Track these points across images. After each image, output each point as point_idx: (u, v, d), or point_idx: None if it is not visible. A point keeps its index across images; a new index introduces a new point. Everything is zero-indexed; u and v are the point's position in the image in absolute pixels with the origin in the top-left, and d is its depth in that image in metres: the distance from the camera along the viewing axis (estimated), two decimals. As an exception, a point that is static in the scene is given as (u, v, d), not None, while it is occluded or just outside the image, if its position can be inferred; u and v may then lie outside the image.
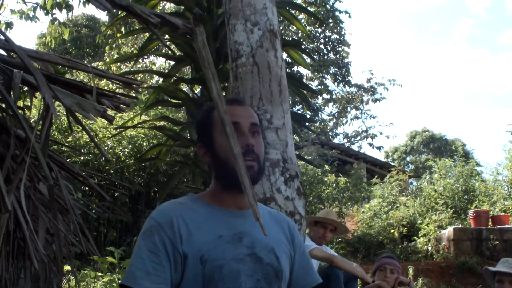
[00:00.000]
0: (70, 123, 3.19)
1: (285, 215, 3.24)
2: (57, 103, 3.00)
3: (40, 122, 2.92)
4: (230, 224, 2.67)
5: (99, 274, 8.10)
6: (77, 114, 2.85)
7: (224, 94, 7.98)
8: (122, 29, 13.70)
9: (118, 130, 11.75)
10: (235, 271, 2.59)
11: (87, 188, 10.01)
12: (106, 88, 15.07)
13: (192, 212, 2.66)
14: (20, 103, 4.58)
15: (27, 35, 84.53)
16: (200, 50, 2.42)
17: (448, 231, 15.80)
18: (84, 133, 12.81)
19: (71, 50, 33.34)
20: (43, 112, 2.83)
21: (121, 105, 3.08)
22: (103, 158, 12.68)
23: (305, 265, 3.01)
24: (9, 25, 14.00)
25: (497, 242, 14.97)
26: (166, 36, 8.80)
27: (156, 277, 2.49)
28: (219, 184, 2.76)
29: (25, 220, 2.74)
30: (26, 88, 3.76)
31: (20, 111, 4.18)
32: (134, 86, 3.14)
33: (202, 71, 7.02)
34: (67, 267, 6.25)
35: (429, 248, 15.96)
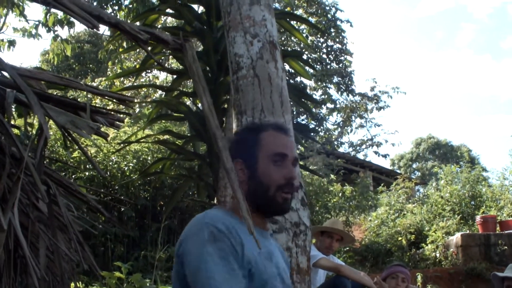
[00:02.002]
0: (65, 141, 3.20)
1: (275, 231, 3.28)
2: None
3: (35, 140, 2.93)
4: (261, 242, 2.68)
5: (107, 290, 8.09)
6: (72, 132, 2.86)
7: (226, 107, 7.99)
8: (124, 44, 13.71)
9: (121, 145, 11.77)
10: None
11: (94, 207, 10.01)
12: (109, 104, 15.10)
13: (236, 224, 2.67)
14: (21, 121, 4.59)
15: (30, 53, 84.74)
16: (191, 65, 2.42)
17: (456, 237, 15.75)
18: (88, 149, 12.82)
19: (74, 66, 33.41)
20: (37, 130, 2.84)
21: (116, 122, 3.08)
22: (108, 173, 12.69)
23: None
24: (12, 43, 14.04)
25: (506, 247, 14.91)
26: (168, 51, 8.82)
27: (234, 280, 2.49)
28: (250, 204, 2.72)
29: (23, 238, 2.75)
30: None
31: (16, 130, 4.18)
32: (128, 102, 3.14)
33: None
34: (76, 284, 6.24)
35: (437, 255, 15.90)
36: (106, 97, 3.15)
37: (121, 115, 3.16)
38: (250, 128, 2.97)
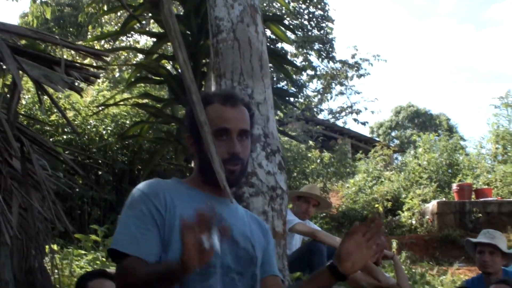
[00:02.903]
0: (39, 96, 3.17)
1: (251, 195, 3.29)
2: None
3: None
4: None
5: (82, 252, 8.08)
6: (50, 89, 2.83)
7: (206, 70, 7.95)
8: (105, 7, 13.58)
9: (100, 108, 11.71)
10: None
11: (70, 167, 9.95)
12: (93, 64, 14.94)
13: (176, 190, 2.76)
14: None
15: (9, 15, 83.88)
16: (167, 20, 2.40)
17: (432, 205, 15.91)
18: (66, 112, 12.72)
19: (54, 29, 33.08)
20: (11, 85, 2.82)
21: (91, 77, 3.05)
22: (86, 137, 12.63)
23: (271, 259, 3.07)
24: (-11, 4, 13.85)
25: (480, 215, 15.11)
26: (149, 14, 8.76)
27: (143, 241, 2.58)
28: (201, 176, 2.85)
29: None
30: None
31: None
32: (104, 58, 3.11)
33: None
34: (52, 246, 6.22)
35: (413, 222, 16.07)
36: (81, 52, 3.12)
37: (96, 70, 3.13)
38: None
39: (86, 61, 16.44)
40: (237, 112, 2.84)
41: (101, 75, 17.57)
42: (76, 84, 2.90)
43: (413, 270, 10.87)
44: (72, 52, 15.48)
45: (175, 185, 2.81)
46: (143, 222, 2.62)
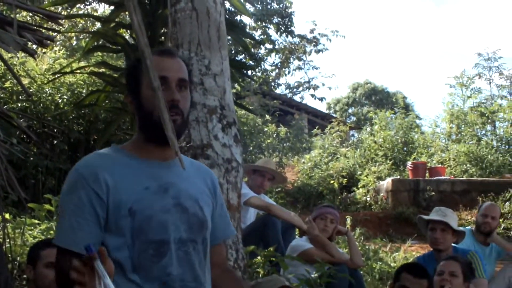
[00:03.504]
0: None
1: (206, 166, 3.29)
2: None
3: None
4: (155, 175, 2.74)
5: (36, 221, 7.99)
6: (4, 54, 2.78)
7: (164, 41, 7.87)
8: (62, -27, 13.33)
9: (56, 76, 11.56)
10: (163, 222, 2.66)
11: (24, 136, 9.84)
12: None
13: (117, 163, 2.72)
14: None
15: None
16: (123, -18, 2.36)
17: (387, 182, 16.00)
18: (22, 79, 12.53)
19: (9, -6, 32.57)
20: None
21: (45, 40, 2.99)
22: (42, 105, 12.47)
23: (224, 217, 3.09)
24: None
25: (433, 193, 15.23)
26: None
27: (80, 232, 2.54)
28: (142, 135, 2.82)
29: None
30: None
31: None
32: (59, 20, 3.05)
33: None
34: (5, 215, 6.14)
35: (368, 199, 16.14)
36: (35, 12, 3.05)
37: (50, 32, 3.06)
38: (133, 59, 2.99)
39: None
40: (174, 62, 2.85)
41: (58, 42, 17.33)
42: (34, 47, 2.84)
43: (367, 247, 10.96)
44: (28, 18, 15.25)
45: (115, 158, 2.76)
46: (81, 210, 2.58)
